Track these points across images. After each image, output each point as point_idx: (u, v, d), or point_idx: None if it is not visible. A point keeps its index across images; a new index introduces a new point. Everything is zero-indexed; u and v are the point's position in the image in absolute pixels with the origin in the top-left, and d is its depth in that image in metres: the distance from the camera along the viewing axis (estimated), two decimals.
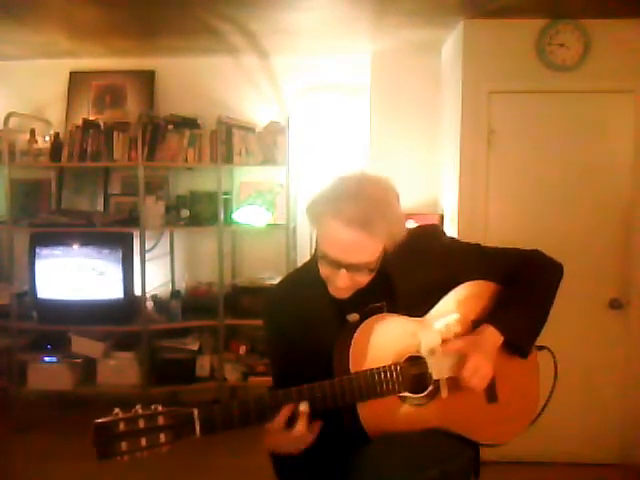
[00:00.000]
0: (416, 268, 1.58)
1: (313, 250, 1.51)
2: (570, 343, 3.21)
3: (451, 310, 1.59)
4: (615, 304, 3.37)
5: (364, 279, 1.49)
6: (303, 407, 1.40)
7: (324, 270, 1.49)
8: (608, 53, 3.25)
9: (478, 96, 3.33)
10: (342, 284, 1.46)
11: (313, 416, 1.44)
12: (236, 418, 1.37)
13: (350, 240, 1.40)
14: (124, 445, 1.24)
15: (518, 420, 1.64)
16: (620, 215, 3.35)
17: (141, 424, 1.26)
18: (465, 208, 3.40)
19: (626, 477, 3.38)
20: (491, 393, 1.59)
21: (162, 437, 1.27)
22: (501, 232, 3.30)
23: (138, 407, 1.29)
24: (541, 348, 1.70)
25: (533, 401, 1.67)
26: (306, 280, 1.58)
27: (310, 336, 1.56)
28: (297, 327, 1.59)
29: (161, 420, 1.28)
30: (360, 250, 1.42)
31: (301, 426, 1.40)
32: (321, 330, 1.55)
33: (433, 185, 3.99)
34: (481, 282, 1.65)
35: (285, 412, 1.40)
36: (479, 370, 1.49)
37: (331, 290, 1.52)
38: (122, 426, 1.24)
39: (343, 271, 1.44)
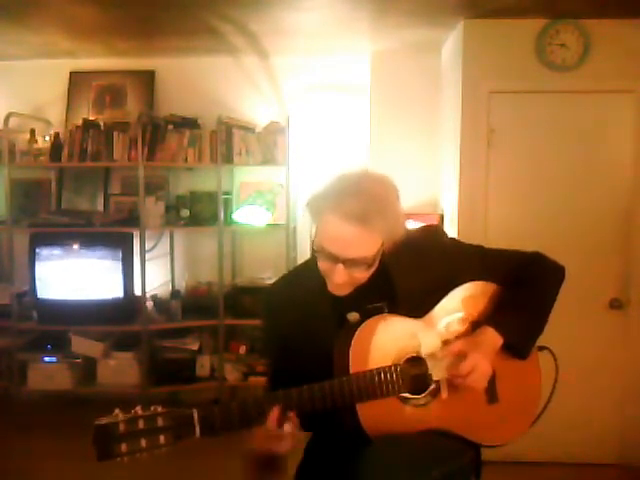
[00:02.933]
0: (417, 268, 1.58)
1: (310, 246, 1.51)
2: (570, 343, 3.19)
3: (452, 310, 1.60)
4: (615, 304, 3.37)
5: (362, 275, 1.48)
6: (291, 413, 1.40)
7: (322, 265, 1.49)
8: (608, 53, 3.24)
9: (478, 96, 3.33)
10: (339, 279, 1.46)
11: (313, 417, 1.44)
12: (236, 419, 1.37)
13: (347, 235, 1.40)
14: (124, 446, 1.24)
15: (519, 421, 1.64)
16: (620, 215, 3.35)
17: (141, 425, 1.26)
18: (465, 208, 3.40)
19: (626, 477, 3.38)
20: (491, 394, 1.59)
21: (162, 438, 1.27)
22: (501, 232, 3.30)
23: (138, 408, 1.29)
24: (542, 348, 1.70)
25: (534, 402, 1.67)
26: (306, 277, 1.58)
27: (309, 333, 1.56)
28: (296, 324, 1.58)
29: (161, 421, 1.28)
30: (357, 245, 1.42)
31: (289, 427, 1.39)
32: (320, 328, 1.55)
33: (433, 185, 3.99)
34: (482, 283, 1.65)
35: (275, 413, 1.39)
36: (478, 369, 1.49)
37: (330, 287, 1.52)
38: (122, 427, 1.24)
39: (340, 266, 1.44)
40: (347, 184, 1.45)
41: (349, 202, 1.39)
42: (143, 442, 1.25)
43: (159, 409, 1.30)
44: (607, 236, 3.37)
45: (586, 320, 3.38)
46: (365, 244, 1.43)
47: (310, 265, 1.54)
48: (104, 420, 1.25)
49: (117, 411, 1.27)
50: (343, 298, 1.53)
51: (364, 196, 1.40)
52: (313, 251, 1.50)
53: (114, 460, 1.24)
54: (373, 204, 1.40)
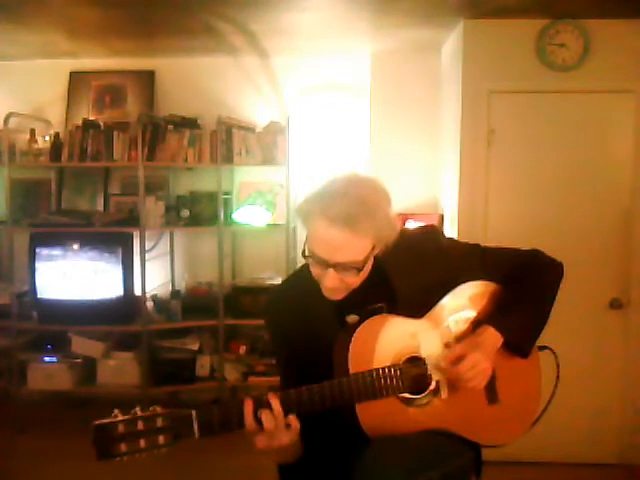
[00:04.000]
0: (415, 269, 1.58)
1: (302, 250, 1.51)
2: (570, 343, 3.19)
3: (452, 310, 1.60)
4: (615, 304, 3.37)
5: (353, 280, 1.48)
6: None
7: (314, 270, 1.50)
8: (608, 53, 3.24)
9: (478, 96, 3.33)
10: (330, 284, 1.46)
11: (313, 417, 1.44)
12: (235, 420, 1.37)
13: (335, 239, 1.40)
14: (123, 446, 1.25)
15: (519, 421, 1.64)
16: (620, 215, 3.35)
17: (140, 426, 1.27)
18: (465, 208, 3.40)
19: (626, 477, 3.38)
20: (492, 394, 1.59)
21: (161, 439, 1.27)
22: (501, 232, 3.30)
23: (137, 409, 1.29)
24: (543, 348, 1.70)
25: (534, 402, 1.67)
26: (307, 280, 1.58)
27: (311, 336, 1.56)
28: (298, 327, 1.59)
29: (160, 422, 1.28)
30: (345, 249, 1.42)
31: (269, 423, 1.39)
32: (322, 330, 1.56)
33: (433, 185, 3.99)
34: (481, 282, 1.65)
35: (249, 415, 1.38)
36: (477, 368, 1.49)
37: (324, 291, 1.52)
38: (121, 428, 1.25)
39: (331, 270, 1.44)
40: (335, 188, 1.44)
41: (336, 206, 1.39)
42: (142, 442, 1.26)
43: (158, 410, 1.30)
44: (607, 236, 3.37)
45: (586, 320, 3.38)
46: (354, 248, 1.43)
47: (306, 272, 1.54)
48: (104, 420, 1.25)
49: (116, 411, 1.27)
50: (343, 300, 1.53)
51: (352, 199, 1.40)
52: (304, 256, 1.50)
53: (114, 460, 1.24)
54: (361, 207, 1.40)
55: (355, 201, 1.40)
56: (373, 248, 1.46)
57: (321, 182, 1.49)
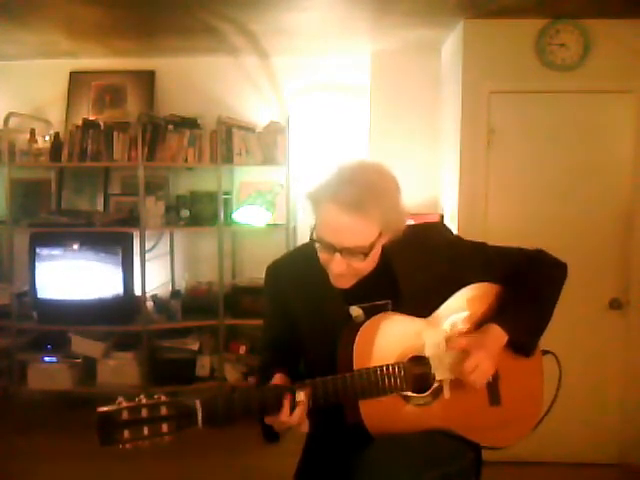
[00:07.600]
0: (421, 264, 1.59)
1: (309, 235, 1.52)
2: (570, 343, 3.19)
3: (456, 310, 1.60)
4: (615, 304, 3.37)
5: (360, 266, 1.48)
6: (300, 397, 1.41)
7: (321, 255, 1.50)
8: (608, 53, 3.25)
9: (478, 96, 3.33)
10: (337, 269, 1.47)
11: (315, 413, 1.44)
12: (238, 410, 1.38)
13: (343, 223, 1.41)
14: (126, 433, 1.25)
15: (520, 424, 1.64)
16: (620, 215, 3.35)
17: (144, 413, 1.27)
18: (465, 208, 3.40)
19: (626, 477, 3.38)
20: (494, 396, 1.59)
21: (164, 427, 1.28)
22: (501, 232, 3.29)
23: (142, 396, 1.29)
24: (546, 352, 1.70)
25: (536, 405, 1.67)
26: (310, 260, 1.56)
27: (311, 311, 1.59)
28: (299, 298, 1.61)
29: (164, 410, 1.29)
30: (353, 233, 1.43)
31: (299, 413, 1.41)
32: (325, 316, 1.57)
33: (433, 185, 4.00)
34: (485, 284, 1.66)
35: (287, 403, 1.40)
36: (480, 366, 1.49)
37: (331, 279, 1.52)
38: (125, 414, 1.25)
39: (338, 255, 1.45)
40: (343, 174, 1.46)
41: (344, 191, 1.41)
42: (145, 430, 1.26)
43: (162, 398, 1.31)
44: (607, 236, 3.37)
45: (586, 320, 3.38)
46: (361, 232, 1.44)
47: (312, 249, 1.54)
48: (108, 407, 1.25)
49: (121, 399, 1.27)
50: (349, 292, 1.54)
51: (359, 184, 1.42)
52: (312, 241, 1.50)
53: (116, 446, 1.24)
54: (368, 192, 1.41)
55: (363, 186, 1.41)
56: (380, 234, 1.47)
57: (330, 169, 1.50)
